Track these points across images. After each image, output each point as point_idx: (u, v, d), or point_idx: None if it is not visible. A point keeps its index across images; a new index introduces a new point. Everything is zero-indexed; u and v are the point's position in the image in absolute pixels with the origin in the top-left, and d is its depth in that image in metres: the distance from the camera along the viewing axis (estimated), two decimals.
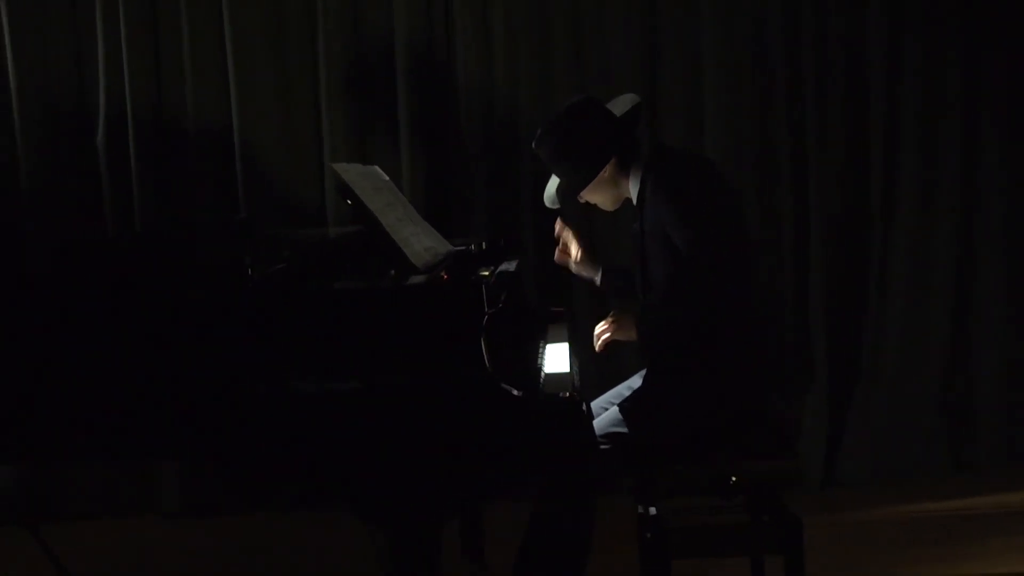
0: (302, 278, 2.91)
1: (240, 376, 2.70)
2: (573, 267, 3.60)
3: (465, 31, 4.67)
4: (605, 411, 3.33)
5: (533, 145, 3.39)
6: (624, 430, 3.17)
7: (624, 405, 3.23)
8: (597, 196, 3.38)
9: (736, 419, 3.20)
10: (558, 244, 3.61)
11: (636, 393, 3.31)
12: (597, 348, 3.33)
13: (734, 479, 3.05)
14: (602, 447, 3.11)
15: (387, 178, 3.43)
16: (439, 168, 4.73)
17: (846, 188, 4.74)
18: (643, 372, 3.41)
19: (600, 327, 3.31)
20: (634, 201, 3.34)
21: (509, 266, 3.40)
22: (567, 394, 2.65)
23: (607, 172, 3.30)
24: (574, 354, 3.40)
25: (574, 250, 3.57)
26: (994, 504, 4.40)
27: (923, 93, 4.70)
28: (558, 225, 3.62)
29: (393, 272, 2.95)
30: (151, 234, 4.56)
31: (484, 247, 3.53)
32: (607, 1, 4.66)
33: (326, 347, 2.66)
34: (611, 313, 3.33)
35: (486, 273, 3.08)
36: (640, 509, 3.34)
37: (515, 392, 2.59)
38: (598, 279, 3.56)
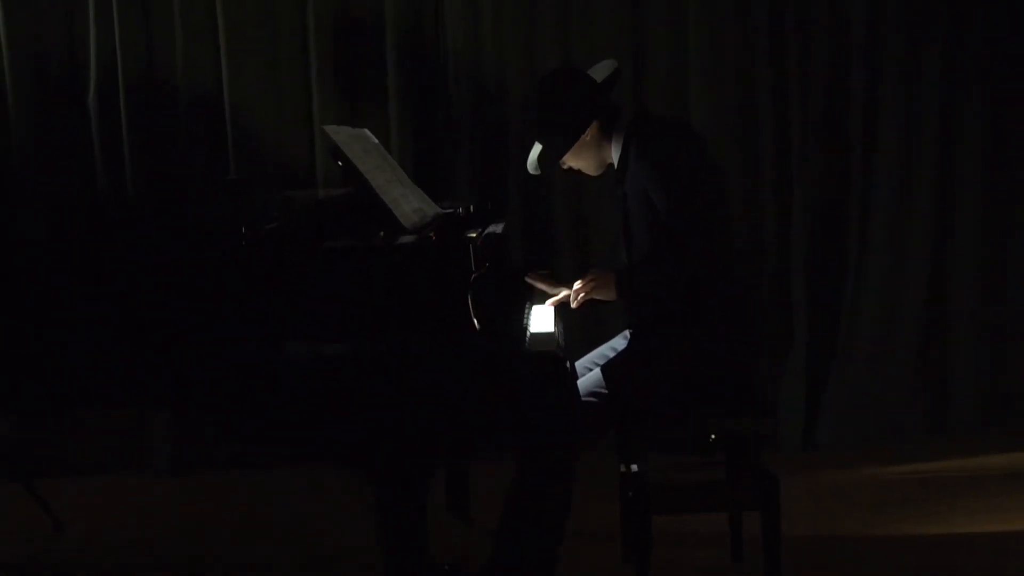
0: (293, 237, 2.97)
1: (232, 332, 2.77)
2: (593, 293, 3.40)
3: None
4: (589, 371, 3.40)
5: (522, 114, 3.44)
6: (606, 391, 3.24)
7: (606, 366, 3.30)
8: (580, 161, 3.43)
9: (716, 380, 3.27)
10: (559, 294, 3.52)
11: (619, 355, 3.37)
12: (573, 304, 3.37)
13: (713, 437, 3.13)
14: (584, 404, 3.18)
15: (376, 141, 3.48)
16: (427, 133, 4.78)
17: (828, 156, 4.81)
18: (625, 333, 3.48)
19: (578, 284, 3.35)
20: (615, 165, 3.40)
21: (496, 228, 3.46)
22: (550, 351, 2.72)
23: (588, 136, 3.35)
24: (559, 315, 3.46)
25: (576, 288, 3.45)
26: (967, 467, 4.49)
27: (903, 66, 4.76)
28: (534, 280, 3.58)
29: (382, 233, 3.01)
30: (145, 193, 4.60)
31: (472, 210, 3.58)
32: None
33: (317, 304, 2.73)
34: (590, 271, 3.38)
35: (473, 235, 3.13)
36: (621, 467, 3.43)
37: (500, 349, 2.66)
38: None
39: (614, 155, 3.38)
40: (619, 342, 3.51)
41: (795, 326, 4.82)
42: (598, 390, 3.24)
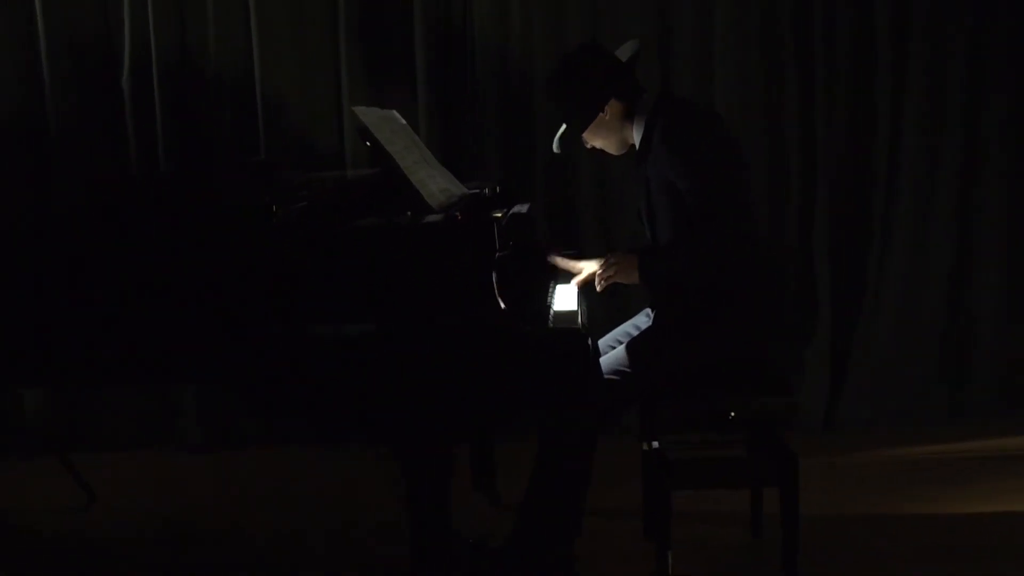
0: (322, 216, 3.04)
1: (262, 309, 2.84)
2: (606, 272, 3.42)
3: None
4: (612, 349, 3.45)
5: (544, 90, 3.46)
6: (629, 370, 3.28)
7: (630, 344, 3.34)
8: (600, 140, 3.46)
9: (738, 360, 3.30)
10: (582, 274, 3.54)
11: (642, 334, 3.42)
12: (598, 288, 3.40)
13: (732, 415, 3.18)
14: (607, 382, 3.23)
15: (404, 122, 3.54)
16: (455, 115, 4.83)
17: (852, 140, 4.84)
18: (648, 311, 3.52)
19: (600, 268, 3.37)
20: (637, 147, 3.41)
21: (521, 208, 3.51)
22: (573, 328, 2.78)
23: (608, 115, 3.37)
24: (582, 294, 3.51)
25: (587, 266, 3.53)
26: (987, 448, 4.52)
27: (930, 47, 4.78)
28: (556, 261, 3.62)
29: (409, 212, 3.06)
30: (180, 172, 4.69)
31: (497, 190, 3.64)
32: None
33: (345, 282, 2.79)
34: (613, 254, 3.40)
35: (499, 215, 3.19)
36: (644, 445, 3.49)
37: (523, 327, 2.72)
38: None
39: (636, 137, 3.41)
40: (642, 320, 3.55)
41: (819, 308, 4.86)
42: (621, 368, 3.29)
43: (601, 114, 3.36)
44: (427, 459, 2.89)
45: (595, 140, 3.47)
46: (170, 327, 2.88)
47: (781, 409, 3.24)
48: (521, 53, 4.80)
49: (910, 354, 4.90)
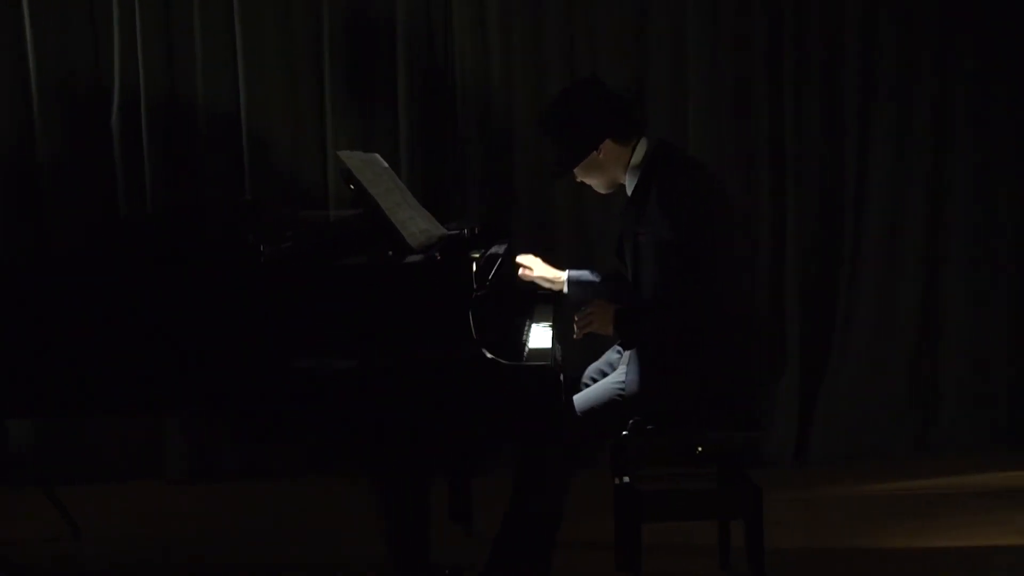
0: (307, 255, 3.15)
1: (248, 344, 2.94)
2: (538, 280, 3.74)
3: (462, 23, 4.89)
4: (586, 386, 3.56)
5: (537, 121, 3.48)
6: (601, 407, 3.36)
7: (602, 384, 3.43)
8: (590, 178, 3.46)
9: (709, 399, 3.36)
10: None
11: (615, 374, 3.49)
12: (575, 336, 3.44)
13: (700, 449, 3.28)
14: (580, 418, 3.32)
15: (386, 165, 3.66)
16: (436, 157, 4.96)
17: (822, 175, 4.99)
18: (617, 347, 3.60)
19: (579, 317, 3.41)
20: (628, 193, 3.43)
21: (499, 249, 3.62)
22: (545, 363, 2.89)
23: (602, 154, 3.37)
24: (557, 332, 3.63)
25: (532, 262, 3.74)
26: (953, 485, 4.64)
27: (897, 76, 4.95)
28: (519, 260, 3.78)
29: (391, 252, 3.18)
30: (167, 212, 4.79)
31: (476, 231, 3.75)
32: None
33: (328, 317, 2.91)
34: (591, 304, 3.43)
35: (476, 255, 3.30)
36: (616, 479, 3.59)
37: (499, 361, 2.84)
38: (565, 286, 3.68)
39: (628, 183, 3.41)
40: (614, 356, 3.64)
41: (788, 343, 4.98)
42: (594, 405, 3.38)
43: (595, 153, 3.37)
44: (405, 489, 2.99)
45: (586, 177, 3.47)
46: (158, 360, 2.98)
47: (747, 444, 3.35)
48: (502, 95, 4.94)
49: (878, 391, 5.03)
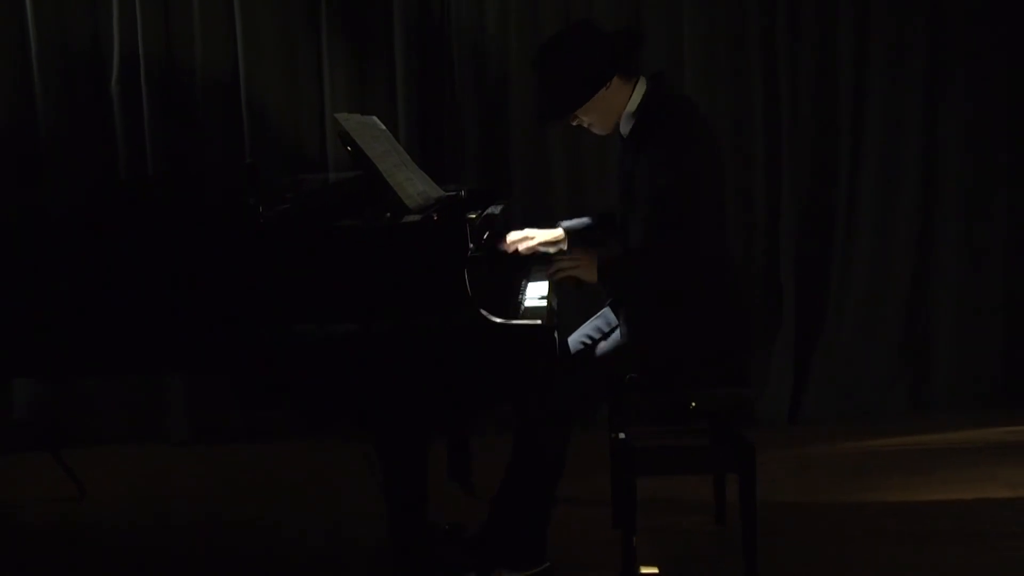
0: (305, 218, 3.20)
1: (248, 307, 2.99)
2: (540, 247, 3.71)
3: None
4: (582, 345, 3.61)
5: (533, 62, 3.42)
6: (598, 363, 3.41)
7: (597, 343, 3.49)
8: (594, 115, 3.37)
9: (702, 357, 3.39)
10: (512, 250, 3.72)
11: (610, 332, 3.56)
12: (548, 274, 3.41)
13: (693, 405, 3.34)
14: (576, 376, 3.37)
15: (384, 128, 3.70)
16: (433, 117, 5.00)
17: (817, 142, 5.04)
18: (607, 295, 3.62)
19: (561, 260, 3.41)
20: (624, 135, 3.42)
21: (495, 209, 3.66)
22: (540, 321, 2.94)
23: (610, 90, 3.31)
24: (553, 290, 3.67)
25: (526, 233, 3.70)
26: (944, 440, 4.71)
27: (890, 54, 4.99)
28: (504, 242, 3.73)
29: (388, 214, 3.23)
30: (169, 174, 4.84)
31: (473, 192, 3.80)
32: None
33: (327, 279, 2.95)
34: (575, 250, 3.48)
35: (473, 216, 3.35)
36: (612, 436, 3.66)
37: (494, 320, 2.89)
38: (566, 243, 3.68)
39: (624, 125, 3.40)
40: (599, 321, 3.69)
41: (784, 304, 5.03)
42: (590, 359, 3.43)
43: (604, 89, 3.32)
44: (404, 448, 3.03)
45: (589, 116, 3.38)
46: (160, 320, 3.03)
47: (740, 401, 3.41)
48: (497, 55, 4.97)
49: (872, 351, 5.09)
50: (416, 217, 3.18)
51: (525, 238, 3.70)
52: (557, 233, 3.73)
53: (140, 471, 4.80)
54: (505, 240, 3.70)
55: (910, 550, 3.63)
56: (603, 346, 3.48)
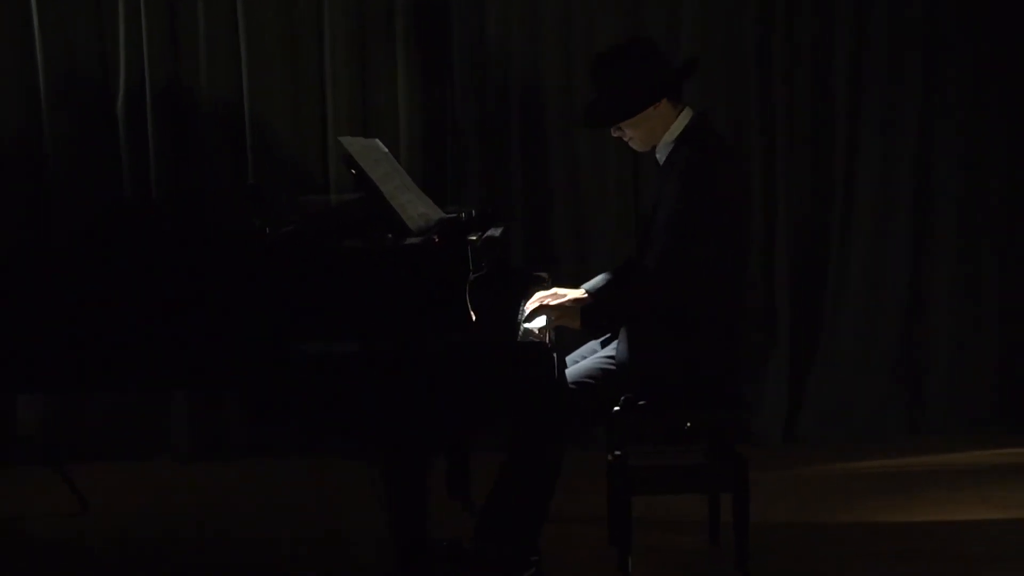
0: (309, 239, 3.26)
1: (252, 327, 3.05)
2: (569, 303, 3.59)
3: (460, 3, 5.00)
4: (581, 363, 3.65)
5: (592, 66, 3.50)
6: (593, 382, 3.46)
7: (595, 362, 3.53)
8: (637, 131, 3.45)
9: (698, 380, 3.44)
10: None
11: (605, 352, 3.60)
12: (526, 309, 3.46)
13: (688, 425, 3.40)
14: (572, 393, 3.42)
15: (386, 150, 3.77)
16: (436, 140, 5.07)
17: (812, 161, 5.09)
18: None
19: (544, 295, 3.52)
20: (660, 163, 3.50)
21: (495, 232, 3.73)
22: (539, 342, 3.00)
23: (658, 110, 3.40)
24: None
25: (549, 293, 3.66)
26: (940, 462, 4.75)
27: (886, 71, 5.05)
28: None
29: (390, 235, 3.28)
30: (172, 197, 4.90)
31: (474, 215, 3.85)
32: None
33: (330, 299, 3.02)
34: (556, 291, 3.56)
35: (474, 238, 3.40)
36: (609, 455, 3.71)
37: (494, 340, 2.95)
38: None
39: (661, 153, 3.48)
40: (595, 344, 3.72)
41: (778, 325, 5.08)
42: (586, 378, 3.47)
43: (653, 107, 3.41)
44: (405, 466, 3.09)
45: (632, 130, 3.46)
46: (167, 338, 3.08)
47: (736, 422, 3.46)
48: (498, 77, 5.04)
49: (867, 372, 5.13)
50: (418, 239, 3.24)
51: (554, 295, 3.66)
52: (580, 294, 3.72)
53: (142, 486, 4.84)
54: (531, 297, 3.65)
55: (903, 571, 3.67)
56: (600, 361, 3.52)
